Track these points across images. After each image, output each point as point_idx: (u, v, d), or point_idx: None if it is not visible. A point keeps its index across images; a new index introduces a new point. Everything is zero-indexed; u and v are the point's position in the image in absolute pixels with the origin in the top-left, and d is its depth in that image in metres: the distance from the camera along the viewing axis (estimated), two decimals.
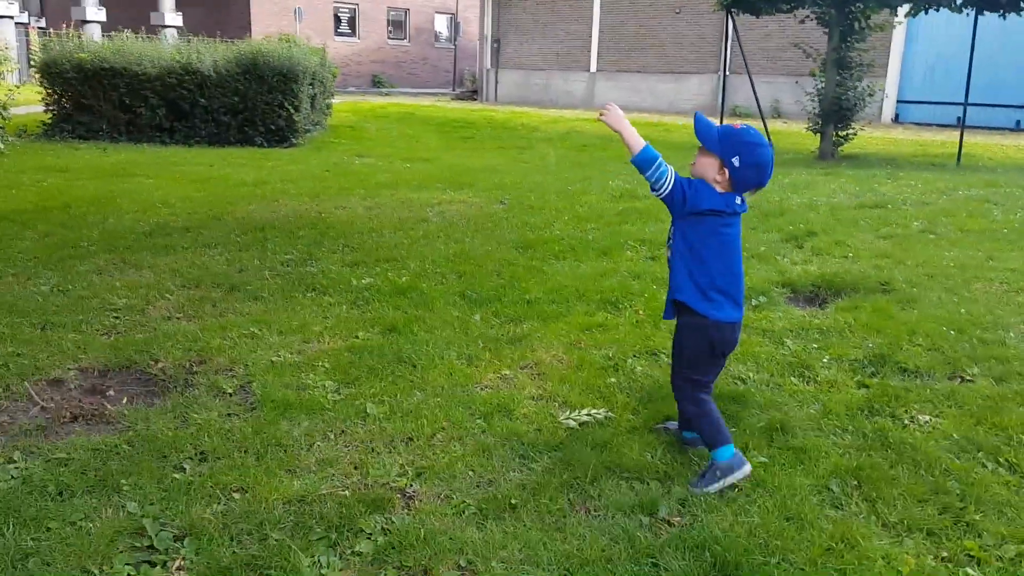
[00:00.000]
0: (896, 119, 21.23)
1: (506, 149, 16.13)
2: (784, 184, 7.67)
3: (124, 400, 3.27)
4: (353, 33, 38.39)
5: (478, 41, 31.12)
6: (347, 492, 2.54)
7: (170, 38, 24.35)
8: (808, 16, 15.06)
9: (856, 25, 14.75)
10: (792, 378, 3.24)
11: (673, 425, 2.88)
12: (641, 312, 4.09)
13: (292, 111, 14.47)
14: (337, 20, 38.56)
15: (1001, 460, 2.61)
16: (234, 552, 2.27)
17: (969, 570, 2.07)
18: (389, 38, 40.07)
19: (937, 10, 13.10)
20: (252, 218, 6.62)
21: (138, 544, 2.36)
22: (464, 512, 2.41)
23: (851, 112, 15.31)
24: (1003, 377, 3.16)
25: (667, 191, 2.56)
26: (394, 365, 3.51)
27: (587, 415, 2.98)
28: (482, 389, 3.30)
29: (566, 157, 14.50)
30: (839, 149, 14.55)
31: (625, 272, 4.78)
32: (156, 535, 2.38)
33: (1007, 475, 2.54)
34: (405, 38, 41.39)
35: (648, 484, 2.53)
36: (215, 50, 14.78)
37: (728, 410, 2.92)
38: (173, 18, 31.34)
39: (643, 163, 2.57)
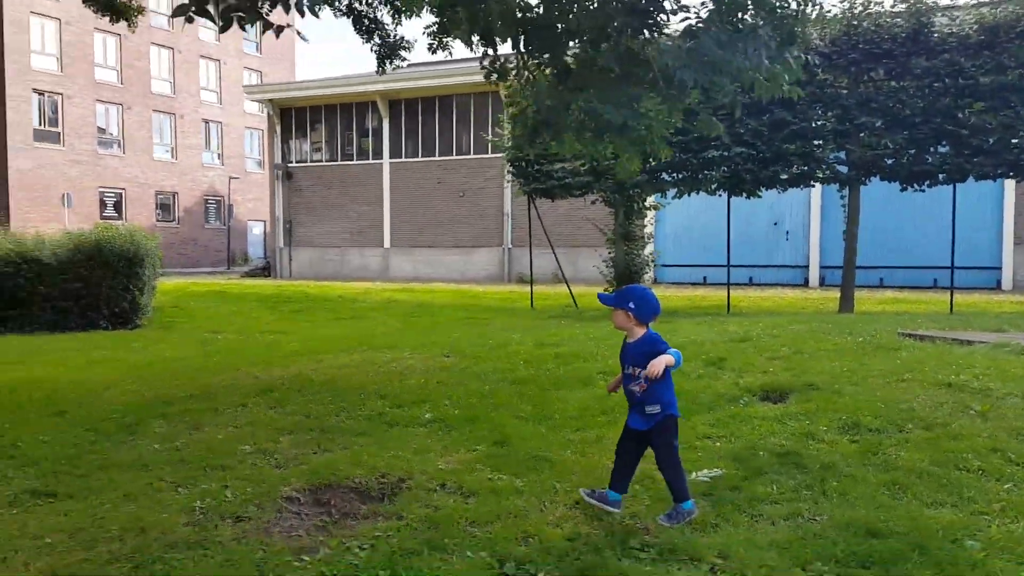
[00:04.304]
0: (655, 280, 24.91)
1: (344, 319, 17.16)
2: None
3: (361, 507, 4.17)
4: (120, 216, 37.75)
5: (267, 222, 31.97)
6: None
7: None
8: (596, 199, 18.01)
9: (635, 205, 17.93)
10: (811, 441, 4.87)
11: (596, 492, 3.95)
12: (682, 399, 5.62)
13: (137, 294, 14.70)
14: (103, 204, 37.83)
15: (959, 465, 4.37)
16: None
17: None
18: (158, 220, 39.84)
19: (698, 193, 16.42)
20: (238, 385, 7.27)
21: (496, 572, 3.39)
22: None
23: (639, 275, 18.31)
24: (928, 427, 4.99)
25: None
26: (534, 460, 4.68)
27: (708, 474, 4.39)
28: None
29: (406, 323, 15.84)
30: None
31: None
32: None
33: (968, 473, 4.28)
34: (174, 220, 41.31)
35: None
36: (50, 239, 14.80)
37: (794, 461, 4.48)
38: None
39: (678, 361, 3.79)
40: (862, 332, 8.26)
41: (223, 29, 5.26)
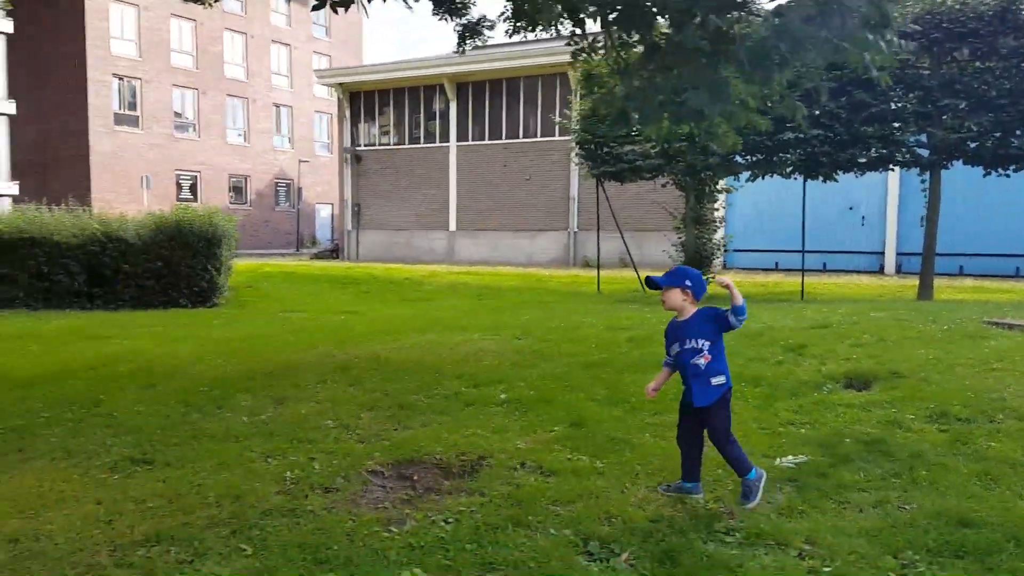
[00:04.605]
0: (725, 265, 24.57)
1: (411, 301, 17.36)
2: None
3: (444, 482, 4.25)
4: (195, 198, 38.78)
5: (334, 205, 32.57)
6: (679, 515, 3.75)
7: (5, 207, 24.04)
8: (666, 183, 17.80)
9: (707, 189, 17.67)
10: (898, 429, 4.77)
11: (672, 485, 3.98)
12: (763, 385, 5.57)
13: (215, 273, 15.11)
14: (179, 187, 38.93)
15: None
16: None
17: None
18: (230, 203, 40.78)
19: (772, 176, 16.08)
20: (316, 363, 7.44)
21: (580, 550, 3.41)
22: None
23: (709, 260, 18.08)
24: (1020, 418, 4.83)
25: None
26: (612, 443, 4.69)
27: (793, 461, 4.34)
28: None
29: (474, 305, 15.95)
30: None
31: None
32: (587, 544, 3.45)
33: None
34: (246, 202, 42.26)
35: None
36: (133, 220, 15.29)
37: (881, 449, 4.40)
38: (7, 187, 30.62)
39: (744, 310, 3.79)
40: (946, 320, 8.03)
41: (336, 8, 5.35)
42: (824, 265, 22.98)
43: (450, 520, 3.67)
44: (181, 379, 6.76)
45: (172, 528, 3.54)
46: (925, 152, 14.49)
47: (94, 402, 5.89)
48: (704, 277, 4.07)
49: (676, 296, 3.93)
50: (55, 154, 36.35)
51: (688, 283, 3.92)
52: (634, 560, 3.32)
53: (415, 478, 4.28)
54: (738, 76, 5.01)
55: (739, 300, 3.76)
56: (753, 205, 23.67)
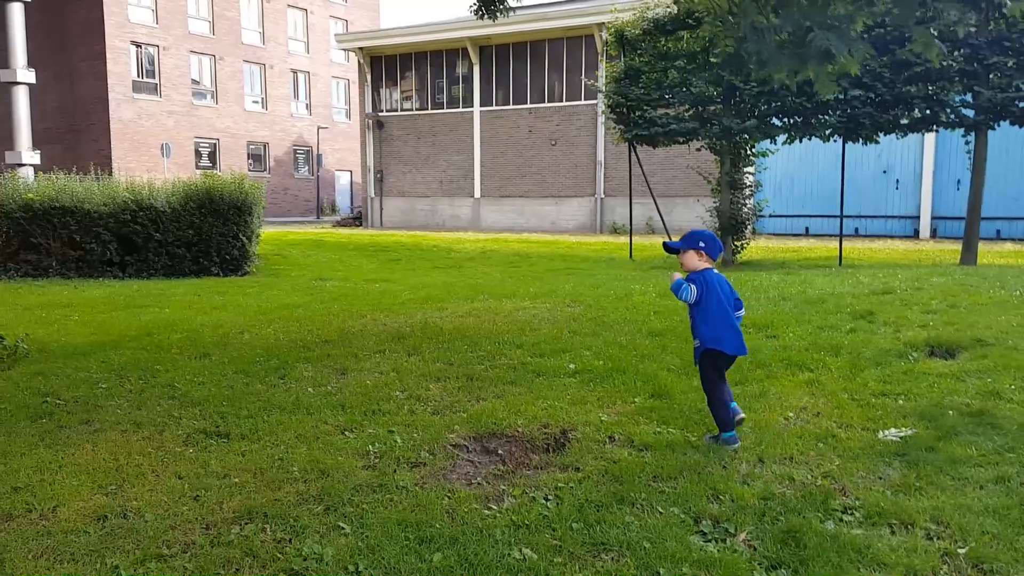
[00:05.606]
0: (755, 231, 24.19)
1: (443, 268, 17.16)
2: (775, 281, 9.33)
3: (527, 456, 4.09)
4: (214, 165, 38.60)
5: (353, 172, 32.30)
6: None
7: (27, 176, 23.87)
8: (702, 147, 17.43)
9: (743, 152, 17.28)
10: (999, 400, 4.56)
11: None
12: (844, 354, 5.36)
13: (246, 241, 14.95)
14: (198, 154, 38.75)
15: None
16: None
17: None
18: (250, 170, 40.53)
19: (810, 139, 15.70)
20: (368, 331, 7.27)
21: (692, 530, 3.24)
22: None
23: (744, 225, 17.74)
24: None
25: (694, 297, 3.99)
26: (699, 415, 4.51)
27: (899, 434, 4.14)
28: (790, 420, 4.35)
29: (508, 273, 15.75)
30: (736, 256, 16.71)
31: (776, 346, 6.00)
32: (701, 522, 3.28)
33: None
34: (265, 170, 42.05)
35: None
36: (163, 188, 15.10)
37: (987, 421, 4.19)
38: (30, 156, 30.49)
39: (673, 289, 4.09)
40: (1016, 285, 7.77)
41: None
42: (856, 230, 22.62)
43: (550, 497, 3.50)
44: (233, 349, 6.61)
45: (263, 505, 3.39)
46: (970, 112, 14.08)
47: (151, 372, 5.75)
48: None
49: (692, 258, 4.10)
50: (75, 123, 36.20)
51: (701, 244, 4.09)
52: (753, 541, 3.14)
53: (500, 452, 4.11)
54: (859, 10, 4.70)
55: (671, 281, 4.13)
56: (782, 169, 23.27)
